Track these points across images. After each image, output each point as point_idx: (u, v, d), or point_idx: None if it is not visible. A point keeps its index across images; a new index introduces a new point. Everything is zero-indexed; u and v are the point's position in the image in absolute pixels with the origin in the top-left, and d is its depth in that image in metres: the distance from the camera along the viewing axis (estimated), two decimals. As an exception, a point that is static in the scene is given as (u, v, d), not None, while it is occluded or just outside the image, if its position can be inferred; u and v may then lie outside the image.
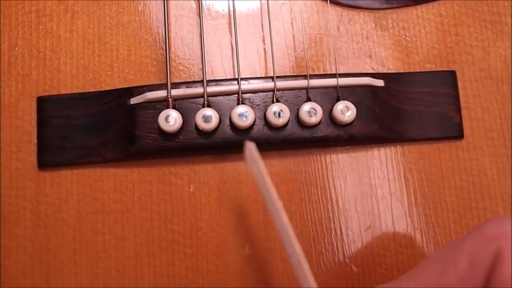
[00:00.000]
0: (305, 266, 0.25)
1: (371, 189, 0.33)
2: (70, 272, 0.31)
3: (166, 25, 0.32)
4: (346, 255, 0.32)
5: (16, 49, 0.33)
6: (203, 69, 0.32)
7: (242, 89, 0.32)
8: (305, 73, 0.33)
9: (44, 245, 0.31)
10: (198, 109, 0.31)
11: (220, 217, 0.32)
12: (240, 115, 0.31)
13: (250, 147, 0.27)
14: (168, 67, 0.32)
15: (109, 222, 0.32)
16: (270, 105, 0.31)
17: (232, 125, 0.31)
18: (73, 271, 0.31)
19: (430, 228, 0.33)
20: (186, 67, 0.33)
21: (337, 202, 0.33)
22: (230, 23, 0.34)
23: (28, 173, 0.32)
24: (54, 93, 0.33)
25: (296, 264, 0.26)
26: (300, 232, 0.32)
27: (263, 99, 0.32)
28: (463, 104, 0.34)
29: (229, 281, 0.31)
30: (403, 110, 0.33)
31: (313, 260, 0.32)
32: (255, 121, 0.31)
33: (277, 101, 0.32)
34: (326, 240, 0.32)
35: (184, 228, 0.32)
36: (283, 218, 0.26)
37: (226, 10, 0.34)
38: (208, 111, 0.31)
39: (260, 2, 0.34)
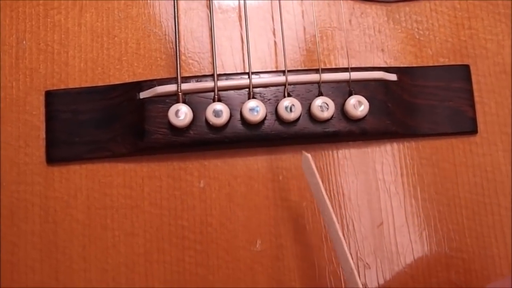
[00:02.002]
0: (358, 278, 0.26)
1: (384, 185, 0.32)
2: (79, 268, 0.31)
3: (176, 19, 0.32)
4: (359, 252, 0.32)
5: (24, 42, 0.33)
6: (213, 63, 0.32)
7: (253, 83, 0.31)
8: (317, 67, 0.32)
9: (53, 241, 0.31)
10: (208, 104, 0.31)
11: (230, 213, 0.32)
12: (252, 109, 0.31)
13: (308, 158, 0.27)
14: (178, 60, 0.31)
15: (118, 218, 0.31)
16: (281, 99, 0.31)
17: (243, 119, 0.31)
18: (82, 267, 0.31)
19: (443, 224, 0.32)
20: (196, 61, 0.33)
21: (349, 198, 0.32)
22: (240, 16, 0.34)
23: (37, 168, 0.32)
24: (62, 87, 0.32)
25: (349, 276, 0.26)
26: (312, 228, 0.32)
27: (274, 93, 0.32)
28: (477, 98, 0.34)
29: (240, 277, 0.31)
30: (416, 105, 0.33)
31: (325, 256, 0.31)
32: (266, 115, 0.31)
33: (289, 95, 0.31)
34: (338, 237, 0.32)
35: (194, 224, 0.32)
36: (338, 229, 0.27)
37: (236, 3, 0.34)
38: (218, 106, 0.31)
39: (271, -6, 0.34)
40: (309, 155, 0.28)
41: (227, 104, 0.31)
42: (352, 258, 0.29)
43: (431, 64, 0.34)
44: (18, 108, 0.32)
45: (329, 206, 0.27)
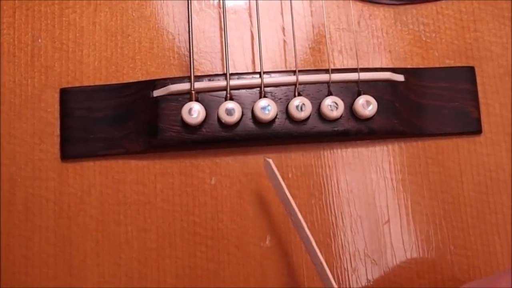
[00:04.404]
0: (328, 271, 0.27)
1: (391, 183, 0.33)
2: (93, 263, 0.32)
3: (190, 19, 0.33)
4: (366, 248, 0.32)
5: (39, 40, 0.33)
6: (225, 63, 0.32)
7: (264, 82, 0.32)
8: (327, 67, 0.33)
9: (67, 236, 0.32)
10: (220, 102, 0.31)
11: (241, 209, 0.32)
12: (263, 108, 0.31)
13: (269, 163, 0.29)
14: (191, 60, 0.32)
15: (131, 214, 0.32)
16: (292, 98, 0.32)
17: (254, 118, 0.32)
18: (96, 262, 0.32)
19: (448, 222, 0.33)
20: (208, 60, 0.34)
21: (357, 195, 0.33)
22: (251, 16, 0.34)
23: (51, 164, 0.32)
24: (77, 84, 0.33)
25: (320, 269, 0.27)
26: (320, 225, 0.32)
27: (285, 92, 0.32)
28: (481, 99, 0.34)
29: (250, 273, 0.32)
30: (422, 105, 0.34)
31: (333, 253, 0.32)
32: (277, 114, 0.32)
33: (299, 94, 0.32)
34: (346, 234, 0.33)
35: (206, 220, 0.32)
36: (305, 227, 0.28)
37: (248, 4, 0.34)
38: (230, 104, 0.31)
39: (281, -4, 0.35)
40: (270, 160, 0.29)
41: (239, 103, 0.31)
42: (322, 253, 0.30)
43: (437, 66, 0.34)
44: (33, 105, 0.33)
45: (293, 205, 0.28)
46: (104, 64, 0.33)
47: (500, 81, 0.35)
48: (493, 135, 0.34)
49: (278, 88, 0.32)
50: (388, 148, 0.34)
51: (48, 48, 0.33)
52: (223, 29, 0.33)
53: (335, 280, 0.27)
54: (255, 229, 0.32)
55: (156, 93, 0.32)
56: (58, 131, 0.32)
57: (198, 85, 0.32)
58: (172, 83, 0.32)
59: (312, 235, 0.32)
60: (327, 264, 0.32)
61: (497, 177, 0.34)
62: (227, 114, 0.31)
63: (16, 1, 0.34)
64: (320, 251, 0.32)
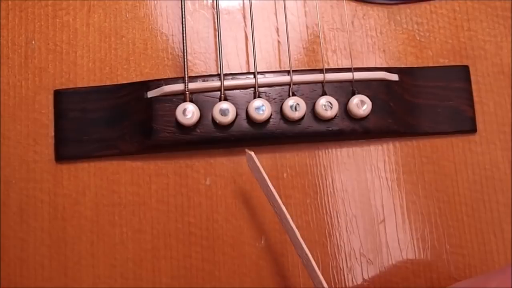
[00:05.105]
0: (314, 263, 0.27)
1: (386, 182, 0.33)
2: (88, 264, 0.32)
3: (184, 20, 0.33)
4: (362, 248, 0.32)
5: (33, 42, 0.33)
6: (219, 63, 0.32)
7: (258, 83, 0.32)
8: (321, 67, 0.33)
9: (62, 238, 0.32)
10: (215, 103, 0.31)
11: (236, 209, 0.32)
12: (257, 108, 0.31)
13: (251, 155, 0.29)
14: (185, 60, 0.32)
15: (126, 215, 0.32)
16: (286, 98, 0.32)
17: (249, 118, 0.32)
18: (91, 263, 0.32)
19: (444, 221, 0.33)
20: (202, 61, 0.34)
21: (352, 195, 0.33)
22: (245, 17, 0.34)
23: (46, 166, 0.32)
24: (71, 86, 0.33)
25: (306, 261, 0.28)
26: (315, 225, 0.32)
27: (279, 92, 0.32)
28: (476, 98, 0.34)
29: (245, 273, 0.32)
30: (417, 104, 0.34)
31: (328, 252, 0.32)
32: (271, 114, 0.32)
33: (293, 94, 0.32)
34: (341, 233, 0.33)
35: (201, 220, 0.32)
36: (289, 219, 0.28)
37: (241, 5, 0.34)
38: (225, 105, 0.31)
39: (275, -4, 0.35)
40: (252, 153, 0.29)
41: (233, 103, 0.31)
42: (318, 253, 0.30)
43: (431, 65, 0.34)
44: (27, 107, 0.33)
45: (277, 197, 0.28)
46: (98, 66, 0.33)
47: (494, 79, 0.35)
48: (487, 133, 0.34)
49: (272, 88, 0.32)
50: (383, 148, 0.34)
51: (42, 50, 0.33)
52: (217, 29, 0.33)
53: (322, 274, 0.27)
54: (250, 229, 0.32)
55: (150, 94, 0.32)
56: (52, 133, 0.32)
57: (192, 85, 0.32)
58: (166, 84, 0.32)
59: (308, 235, 0.32)
60: (323, 264, 0.32)
61: (492, 176, 0.34)
62: (222, 115, 0.31)
63: (10, 3, 0.34)
64: (316, 251, 0.32)
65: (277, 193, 0.32)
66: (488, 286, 0.24)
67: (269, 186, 0.29)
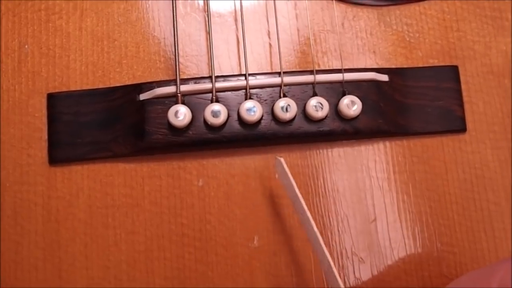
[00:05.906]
0: (335, 271, 0.27)
1: (377, 182, 0.33)
2: (82, 266, 0.32)
3: (175, 23, 0.33)
4: (353, 247, 0.33)
5: (26, 46, 0.34)
6: (211, 65, 0.33)
7: (250, 84, 0.32)
8: (311, 69, 0.33)
9: (56, 240, 0.32)
10: (206, 105, 0.32)
11: (228, 210, 0.33)
12: (248, 110, 0.32)
13: (281, 161, 0.29)
14: (177, 63, 0.32)
15: (119, 217, 0.32)
16: (277, 100, 0.32)
17: (240, 120, 0.32)
18: (84, 265, 0.32)
19: (434, 219, 0.33)
20: (194, 64, 0.34)
21: (343, 195, 0.33)
22: (236, 19, 0.35)
23: (39, 169, 0.32)
24: (64, 89, 0.33)
25: (327, 269, 0.28)
26: (307, 224, 0.33)
27: (270, 94, 0.33)
28: (465, 98, 0.35)
29: (238, 273, 0.32)
30: (407, 105, 0.34)
31: (321, 252, 0.32)
32: (262, 115, 0.32)
33: (284, 96, 0.32)
34: (333, 233, 0.33)
35: (193, 221, 0.32)
36: (314, 226, 0.28)
37: (233, 7, 0.35)
38: (216, 106, 0.31)
39: (266, -1, 0.35)
40: (282, 159, 0.30)
41: (224, 105, 0.32)
42: (330, 253, 0.30)
43: (421, 65, 0.35)
44: (21, 111, 0.33)
45: (303, 204, 0.29)
46: (90, 69, 0.33)
47: (484, 79, 0.35)
48: (477, 133, 0.35)
49: (263, 90, 0.33)
50: (374, 148, 0.34)
51: (35, 54, 0.34)
52: (208, 32, 0.34)
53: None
54: (242, 230, 0.32)
55: (143, 96, 0.32)
56: (45, 136, 0.33)
57: (184, 88, 0.32)
58: (159, 87, 0.32)
59: (300, 235, 0.33)
60: (315, 263, 0.32)
61: (482, 175, 0.34)
62: (213, 116, 0.31)
63: (3, 8, 0.34)
64: (308, 250, 0.32)
65: (269, 193, 0.33)
66: (494, 276, 0.24)
67: (296, 193, 0.29)
